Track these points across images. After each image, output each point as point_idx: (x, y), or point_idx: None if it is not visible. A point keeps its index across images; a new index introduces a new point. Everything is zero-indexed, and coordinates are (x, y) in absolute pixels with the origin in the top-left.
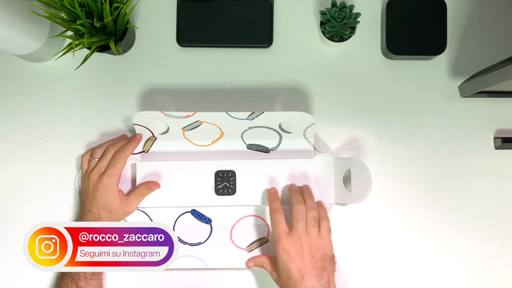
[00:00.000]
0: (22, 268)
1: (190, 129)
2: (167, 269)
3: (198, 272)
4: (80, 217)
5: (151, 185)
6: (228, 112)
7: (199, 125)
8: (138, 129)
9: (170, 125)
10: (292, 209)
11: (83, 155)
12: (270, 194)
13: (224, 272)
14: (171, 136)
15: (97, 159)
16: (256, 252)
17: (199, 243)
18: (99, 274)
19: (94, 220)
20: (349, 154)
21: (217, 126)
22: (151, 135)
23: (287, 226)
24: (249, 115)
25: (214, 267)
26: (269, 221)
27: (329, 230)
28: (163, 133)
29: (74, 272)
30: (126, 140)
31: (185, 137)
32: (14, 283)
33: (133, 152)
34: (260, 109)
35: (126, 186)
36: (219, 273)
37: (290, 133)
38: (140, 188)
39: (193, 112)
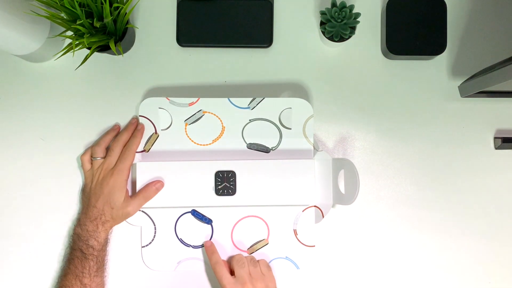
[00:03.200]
0: (24, 267)
1: (192, 122)
2: (173, 271)
3: (199, 273)
4: (84, 213)
5: (157, 185)
6: (230, 98)
7: (201, 116)
8: (143, 122)
9: (174, 115)
10: (233, 259)
11: (82, 155)
12: (207, 248)
13: None
14: (173, 132)
15: (99, 158)
16: (257, 254)
17: (202, 246)
18: (103, 271)
19: (98, 215)
20: (349, 154)
21: (219, 118)
22: (154, 131)
23: (230, 275)
24: (250, 102)
25: None
26: (268, 222)
27: (268, 266)
28: (166, 129)
29: (78, 270)
30: (127, 133)
31: (186, 133)
32: (16, 283)
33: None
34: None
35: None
36: None
37: (290, 129)
38: (145, 191)
39: (197, 98)
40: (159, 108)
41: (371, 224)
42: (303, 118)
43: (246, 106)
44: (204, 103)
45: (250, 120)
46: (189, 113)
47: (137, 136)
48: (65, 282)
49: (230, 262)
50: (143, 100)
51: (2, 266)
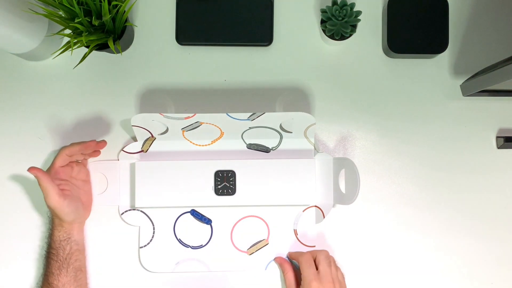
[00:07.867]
0: (23, 267)
1: (189, 130)
2: (172, 272)
3: (198, 274)
4: None
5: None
6: (229, 113)
7: (199, 126)
8: (136, 131)
9: (169, 126)
10: (318, 255)
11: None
12: (282, 263)
13: (225, 273)
14: (170, 136)
15: None
16: (257, 255)
17: (201, 246)
18: (71, 271)
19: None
20: (350, 154)
21: (217, 127)
22: (150, 135)
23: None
24: (250, 116)
25: (216, 270)
26: (268, 222)
27: (343, 276)
28: (162, 133)
29: (47, 269)
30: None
31: (184, 137)
32: (16, 283)
33: (132, 152)
34: (260, 109)
35: (102, 187)
36: (221, 274)
37: (291, 132)
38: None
39: (193, 114)
40: (153, 120)
41: (372, 224)
42: (305, 125)
43: (246, 119)
44: (201, 118)
45: (250, 127)
46: (186, 124)
47: (80, 144)
48: (42, 281)
49: (313, 255)
50: (141, 100)
51: (2, 266)
